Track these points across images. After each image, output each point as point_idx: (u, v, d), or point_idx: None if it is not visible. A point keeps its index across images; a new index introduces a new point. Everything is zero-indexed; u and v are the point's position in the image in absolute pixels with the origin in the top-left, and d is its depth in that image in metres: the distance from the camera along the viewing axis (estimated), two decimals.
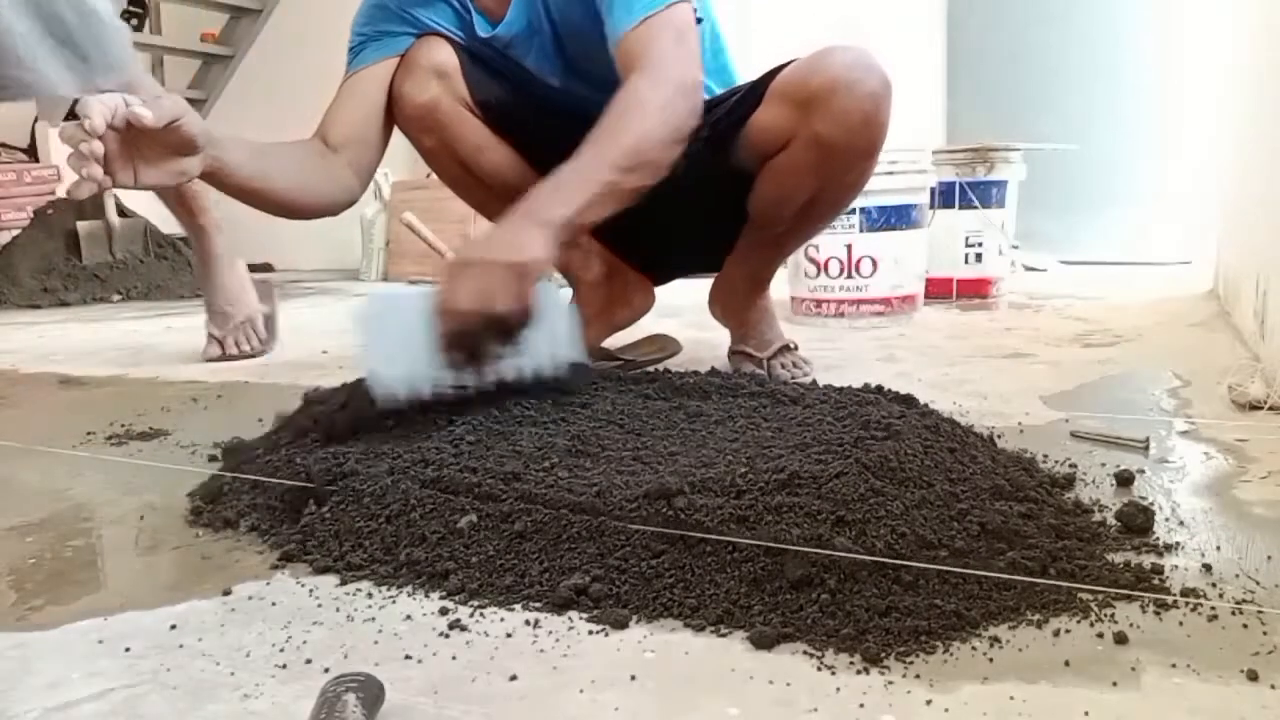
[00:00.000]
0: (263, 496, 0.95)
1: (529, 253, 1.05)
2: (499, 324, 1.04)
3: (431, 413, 1.04)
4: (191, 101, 5.62)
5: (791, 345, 1.64)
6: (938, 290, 2.70)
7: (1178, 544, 0.80)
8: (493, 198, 1.55)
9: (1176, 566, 0.76)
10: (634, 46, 1.23)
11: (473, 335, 1.03)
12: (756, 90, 1.40)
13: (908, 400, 1.09)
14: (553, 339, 1.12)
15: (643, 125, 1.15)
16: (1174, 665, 0.61)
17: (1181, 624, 0.67)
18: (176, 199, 2.07)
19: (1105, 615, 0.67)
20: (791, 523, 0.74)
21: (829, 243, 2.25)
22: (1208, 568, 0.76)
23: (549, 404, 1.07)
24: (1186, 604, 0.69)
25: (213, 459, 1.17)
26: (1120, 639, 0.64)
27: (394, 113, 1.49)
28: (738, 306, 1.65)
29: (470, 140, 1.53)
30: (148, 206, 4.37)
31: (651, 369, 1.37)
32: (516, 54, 1.49)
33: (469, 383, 1.07)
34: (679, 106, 1.19)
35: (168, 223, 4.76)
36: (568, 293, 1.70)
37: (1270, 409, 1.25)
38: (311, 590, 0.77)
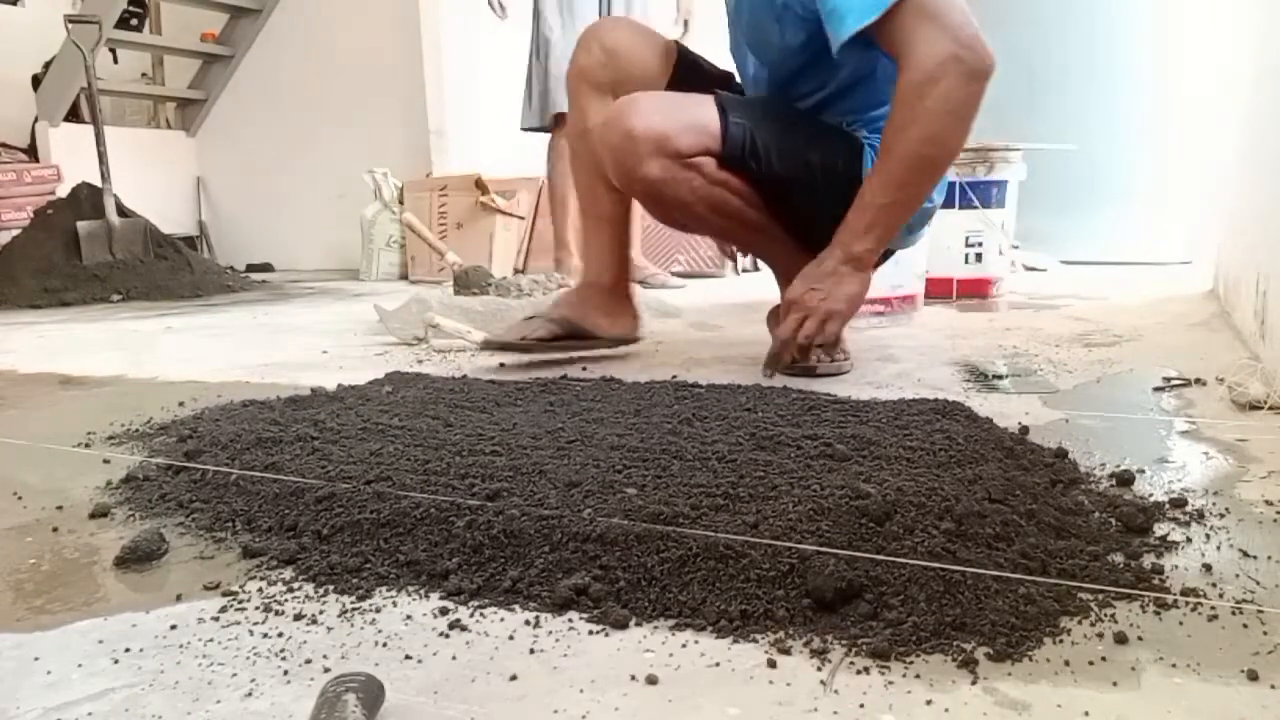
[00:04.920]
0: (259, 499, 0.95)
1: (857, 302, 1.50)
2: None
3: None
4: (191, 102, 5.66)
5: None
6: (938, 290, 2.70)
7: (1178, 544, 0.80)
8: (593, 177, 1.78)
9: (1176, 566, 0.76)
10: (890, 41, 1.40)
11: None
12: None
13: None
14: None
15: (916, 133, 1.38)
16: (1174, 665, 0.61)
17: (1181, 624, 0.67)
18: None
19: (1105, 615, 0.67)
20: (805, 532, 0.75)
21: None
22: (1208, 568, 0.76)
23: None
24: (1186, 604, 0.69)
25: (211, 459, 1.16)
26: (1120, 639, 0.64)
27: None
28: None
29: (592, 117, 1.74)
30: (147, 206, 4.38)
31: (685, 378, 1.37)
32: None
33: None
34: (945, 93, 1.37)
35: (168, 223, 4.76)
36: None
37: (1270, 409, 1.25)
38: (311, 591, 0.77)
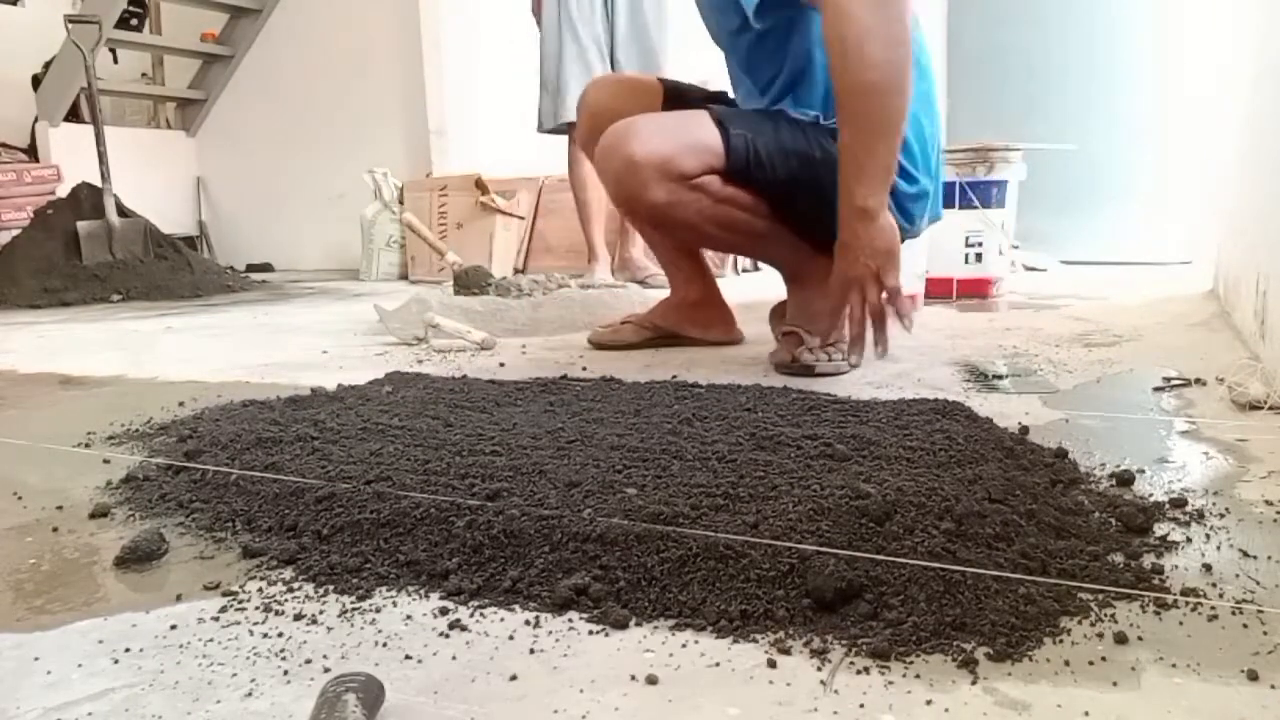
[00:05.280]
0: (259, 499, 0.95)
1: (895, 248, 1.47)
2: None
3: None
4: (191, 102, 5.66)
5: (835, 342, 1.67)
6: (938, 290, 2.70)
7: (1178, 544, 0.80)
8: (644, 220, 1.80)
9: (1176, 566, 0.76)
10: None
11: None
12: None
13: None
14: None
15: (849, 66, 1.39)
16: (1174, 665, 0.61)
17: (1181, 624, 0.67)
18: None
19: (1105, 615, 0.67)
20: (805, 532, 0.75)
21: None
22: (1208, 568, 0.76)
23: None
24: (1186, 604, 0.69)
25: (211, 459, 1.16)
26: (1120, 639, 0.64)
27: None
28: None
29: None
30: (147, 206, 4.38)
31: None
32: None
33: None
34: (859, 21, 1.36)
35: (168, 223, 4.76)
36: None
37: (1270, 409, 1.25)
38: (311, 591, 0.77)
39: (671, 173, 1.55)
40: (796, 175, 1.60)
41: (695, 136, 1.58)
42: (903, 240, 1.64)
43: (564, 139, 3.36)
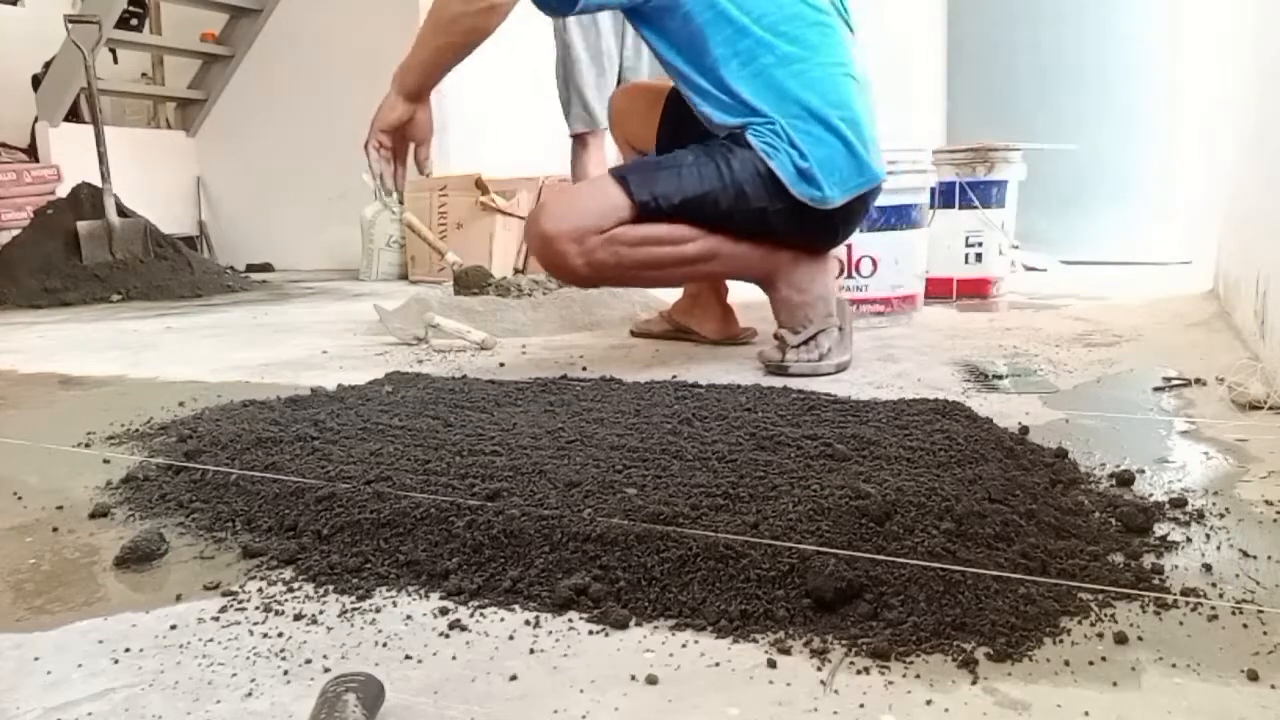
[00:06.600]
0: (259, 499, 0.95)
1: (383, 112, 1.76)
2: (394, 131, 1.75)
3: None
4: (191, 102, 5.65)
5: (817, 333, 1.67)
6: (938, 290, 2.70)
7: (1178, 544, 0.80)
8: None
9: (1176, 566, 0.76)
10: None
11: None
12: None
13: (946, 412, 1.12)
14: None
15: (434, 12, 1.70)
16: (1174, 665, 0.61)
17: (1181, 624, 0.67)
18: None
19: (1105, 615, 0.67)
20: (805, 532, 0.75)
21: None
22: (1208, 568, 0.76)
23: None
24: (1186, 604, 0.69)
25: (211, 459, 1.16)
26: (1120, 639, 0.64)
27: None
28: None
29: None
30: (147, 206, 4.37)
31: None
32: None
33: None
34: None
35: (168, 222, 4.76)
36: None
37: (1270, 409, 1.25)
38: (311, 591, 0.77)
39: (581, 238, 1.61)
40: (711, 196, 1.61)
41: (601, 201, 1.63)
42: (815, 206, 1.61)
43: (564, 139, 3.35)
